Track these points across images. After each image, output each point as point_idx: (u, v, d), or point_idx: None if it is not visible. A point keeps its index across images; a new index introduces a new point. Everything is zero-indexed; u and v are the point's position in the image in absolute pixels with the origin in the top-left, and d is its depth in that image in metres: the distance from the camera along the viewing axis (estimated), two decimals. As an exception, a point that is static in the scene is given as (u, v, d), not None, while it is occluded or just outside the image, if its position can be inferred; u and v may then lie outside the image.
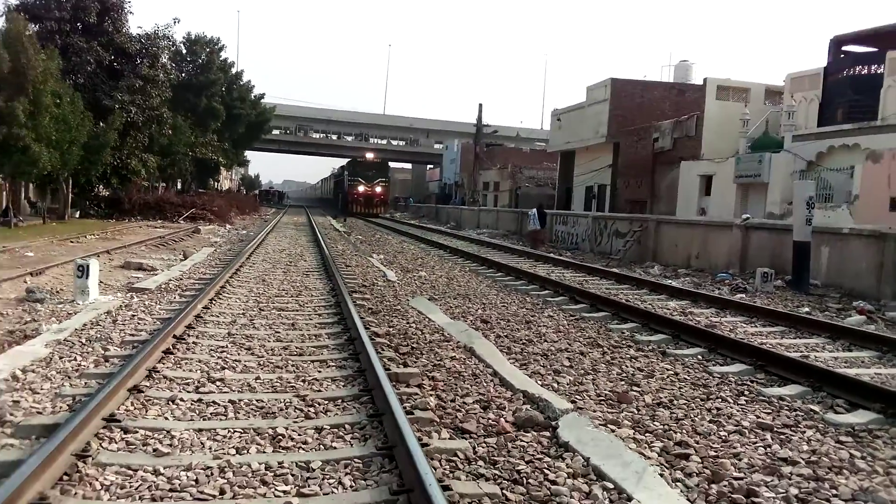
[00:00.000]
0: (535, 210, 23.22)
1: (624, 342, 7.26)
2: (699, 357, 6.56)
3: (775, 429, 4.57)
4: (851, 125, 20.38)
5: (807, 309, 10.09)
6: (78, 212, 26.72)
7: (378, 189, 49.43)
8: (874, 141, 18.92)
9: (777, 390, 5.42)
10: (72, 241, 16.70)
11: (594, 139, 32.51)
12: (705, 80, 27.29)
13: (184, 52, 41.81)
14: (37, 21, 24.83)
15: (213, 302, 8.95)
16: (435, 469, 3.82)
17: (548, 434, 4.53)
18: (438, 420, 4.75)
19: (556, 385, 5.65)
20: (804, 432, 4.52)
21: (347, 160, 56.41)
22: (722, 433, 4.51)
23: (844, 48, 23.86)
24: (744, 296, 11.18)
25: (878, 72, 21.02)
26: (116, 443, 4.06)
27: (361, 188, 48.83)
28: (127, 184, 29.93)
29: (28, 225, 20.90)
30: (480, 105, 45.98)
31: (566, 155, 37.82)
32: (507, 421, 4.77)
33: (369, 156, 53.54)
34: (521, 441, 4.41)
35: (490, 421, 4.77)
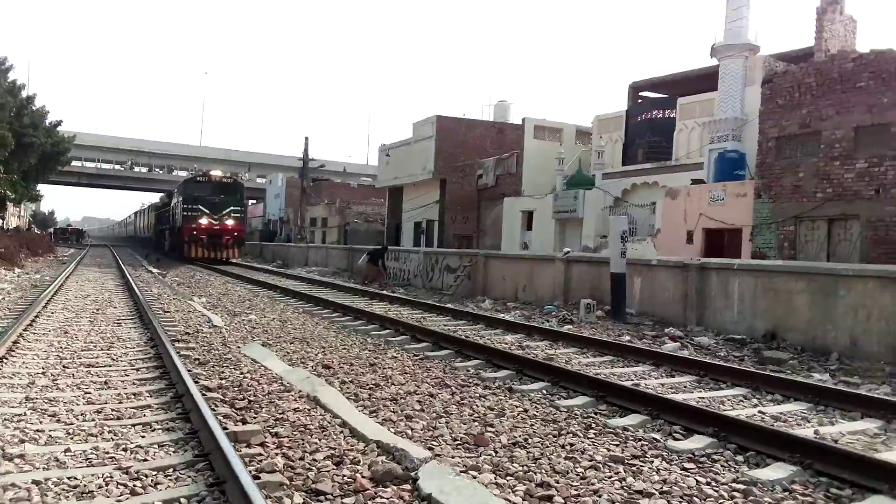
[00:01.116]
0: (366, 254, 22.85)
1: (471, 380, 7.24)
2: (544, 391, 6.69)
3: (626, 461, 4.70)
4: (651, 164, 22.66)
5: (627, 337, 10.81)
6: None
7: (229, 222, 33.90)
8: (671, 179, 21.16)
9: (620, 421, 5.63)
10: None
11: (421, 175, 33.25)
12: (524, 119, 29.11)
13: (-38, 71, 36.88)
14: None
15: (4, 361, 7.66)
16: (292, 543, 3.44)
17: (408, 487, 4.29)
18: (289, 482, 4.33)
19: (410, 432, 5.43)
20: (652, 462, 4.69)
21: (183, 180, 39.94)
22: (579, 469, 4.54)
23: (641, 93, 26.61)
24: (571, 326, 11.76)
25: (671, 116, 23.66)
26: None
27: (205, 220, 33.18)
28: None
29: None
30: (307, 138, 45.04)
31: (394, 190, 38.30)
32: (363, 476, 4.47)
33: (216, 173, 36.20)
34: (382, 497, 4.14)
35: (346, 478, 4.43)
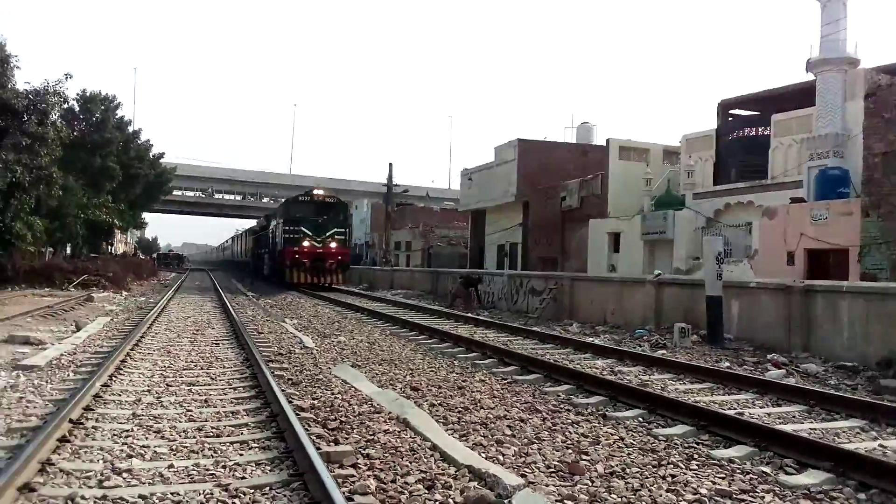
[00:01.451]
0: (460, 278, 24.11)
1: (562, 406, 7.05)
2: (640, 419, 6.42)
3: (734, 495, 4.41)
4: (745, 183, 21.73)
5: (727, 363, 10.30)
6: (-48, 280, 24.34)
7: (333, 244, 30.98)
8: (766, 198, 20.19)
9: (725, 452, 5.31)
10: (-56, 314, 15.01)
11: (504, 198, 33.21)
12: (608, 140, 28.61)
13: (77, 109, 39.90)
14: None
15: (114, 379, 8.09)
16: (386, 567, 3.39)
17: (502, 515, 4.18)
18: (381, 506, 4.30)
19: (501, 457, 5.32)
20: (763, 497, 4.39)
21: (284, 200, 37.00)
22: (683, 503, 4.30)
23: (732, 111, 25.68)
24: (665, 352, 11.32)
25: (765, 133, 22.68)
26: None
27: (307, 244, 30.54)
28: (11, 249, 27.65)
29: None
30: (391, 164, 45.84)
31: (477, 214, 38.41)
32: (455, 502, 4.39)
33: (319, 192, 33.37)
34: (475, 525, 4.04)
35: (438, 503, 4.37)
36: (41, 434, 5.13)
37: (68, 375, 8.31)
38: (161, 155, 50.76)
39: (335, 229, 31.25)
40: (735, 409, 6.91)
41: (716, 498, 4.37)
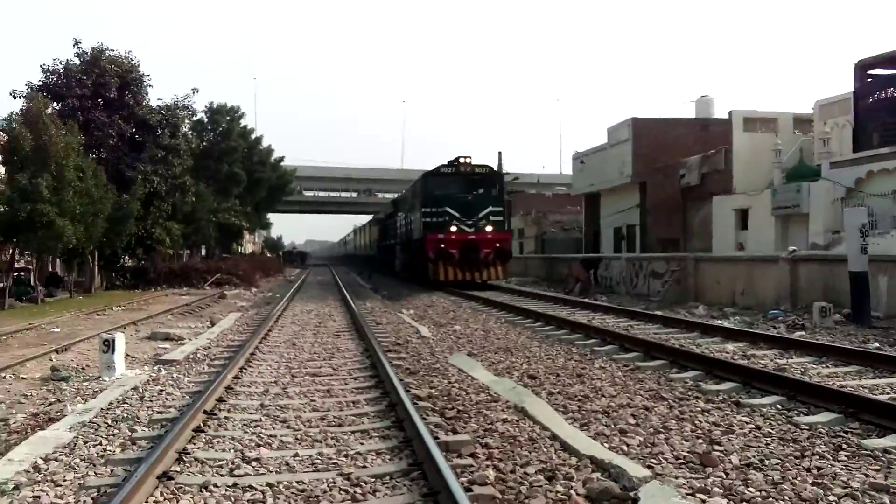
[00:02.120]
0: (580, 261, 24.75)
1: (689, 393, 6.65)
2: (778, 406, 5.93)
3: (892, 489, 3.94)
4: (889, 149, 19.75)
5: (876, 344, 9.37)
6: (104, 284, 26.73)
7: (489, 229, 23.65)
8: (915, 163, 18.22)
9: (880, 441, 4.79)
10: (98, 315, 16.49)
11: (619, 180, 32.12)
12: (730, 112, 26.86)
13: (205, 120, 42.61)
14: (59, 100, 25.41)
15: (244, 371, 8.51)
16: (507, 561, 3.29)
17: (629, 508, 3.96)
18: (501, 497, 4.20)
19: (625, 447, 5.07)
20: (928, 493, 3.89)
21: (422, 175, 26.52)
22: (831, 498, 3.89)
23: (871, 72, 23.40)
24: (804, 333, 10.48)
25: (911, 93, 20.48)
26: (143, 544, 3.58)
27: (454, 229, 23.42)
28: (152, 253, 30.03)
29: (54, 300, 20.82)
30: (500, 153, 45.84)
31: (591, 197, 37.42)
32: (578, 494, 4.21)
33: (467, 160, 25.10)
34: (600, 518, 3.85)
35: (559, 495, 4.21)
36: (178, 425, 5.43)
37: (203, 368, 8.82)
38: (281, 159, 53.23)
39: (490, 208, 23.39)
40: (889, 394, 6.23)
41: (870, 492, 3.92)
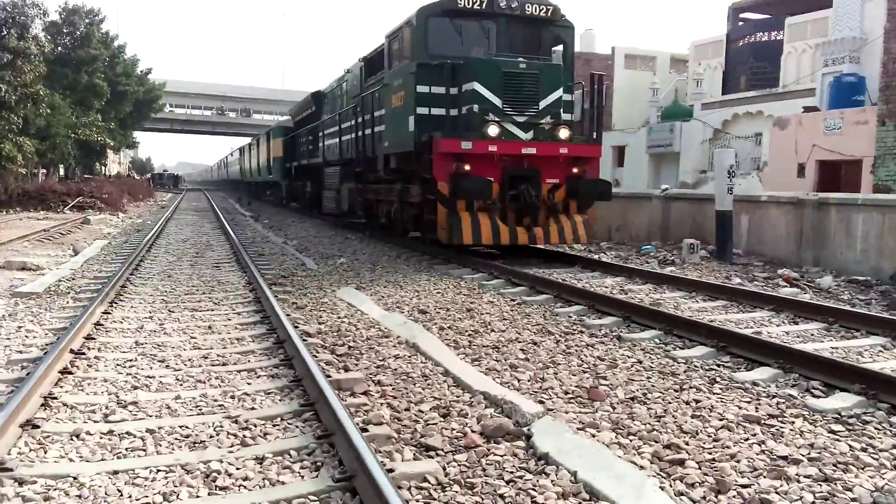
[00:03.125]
0: None
1: (574, 328, 6.88)
2: (657, 340, 6.25)
3: (762, 421, 4.26)
4: (754, 92, 21.01)
5: (738, 280, 10.12)
6: (-56, 204, 23.98)
7: (563, 135, 11.04)
8: (778, 108, 19.55)
9: (748, 375, 5.16)
10: (-62, 239, 14.76)
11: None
12: (613, 48, 27.47)
13: (59, 22, 38.32)
14: None
15: (114, 305, 7.91)
16: (407, 502, 3.26)
17: (522, 444, 4.03)
18: (397, 436, 4.16)
19: (516, 383, 5.17)
20: (793, 423, 4.23)
21: (416, 12, 11.27)
22: (709, 430, 4.15)
23: (742, 15, 24.58)
24: (674, 268, 11.13)
25: (778, 38, 21.75)
26: (10, 500, 3.24)
27: (493, 132, 10.59)
28: (2, 171, 27.13)
29: None
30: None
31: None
32: (473, 431, 4.24)
33: None
34: (495, 455, 3.89)
35: (455, 433, 4.22)
36: (42, 366, 4.94)
37: (68, 302, 8.12)
38: (149, 70, 49.29)
39: (559, 93, 11.28)
40: (753, 327, 6.74)
41: (744, 424, 4.22)
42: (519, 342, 6.33)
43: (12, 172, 27.89)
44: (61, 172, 42.80)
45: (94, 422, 4.33)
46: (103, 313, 7.32)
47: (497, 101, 10.73)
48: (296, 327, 6.54)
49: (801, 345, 5.95)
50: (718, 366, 5.41)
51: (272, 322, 6.96)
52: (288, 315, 7.08)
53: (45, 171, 38.88)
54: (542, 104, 10.99)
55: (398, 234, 14.18)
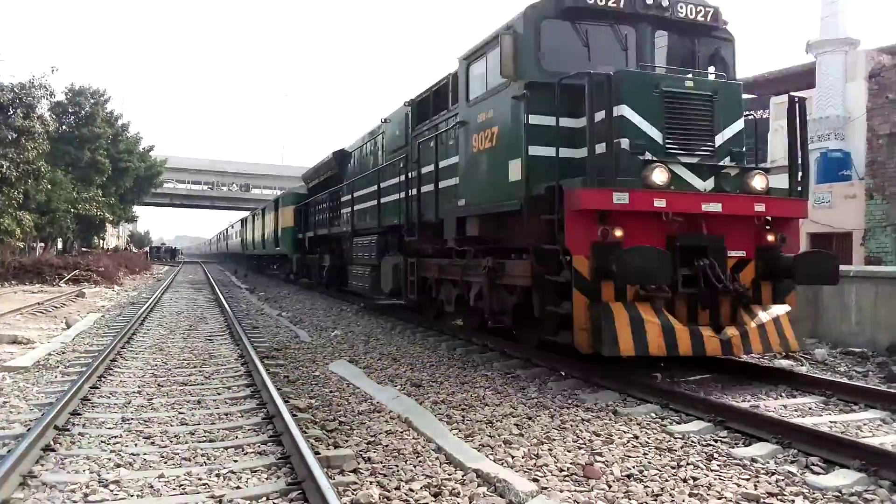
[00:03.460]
0: None
1: (569, 401, 6.76)
2: (653, 415, 6.12)
3: (761, 500, 4.14)
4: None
5: (734, 352, 10.04)
6: (-60, 277, 23.94)
7: (758, 185, 7.52)
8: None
9: (746, 451, 5.02)
10: (-70, 313, 14.66)
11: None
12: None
13: (65, 102, 39.33)
14: None
15: (103, 379, 7.80)
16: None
17: (516, 525, 3.91)
18: (386, 517, 4.03)
19: (510, 459, 5.05)
20: (793, 501, 4.10)
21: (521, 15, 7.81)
22: (707, 509, 4.04)
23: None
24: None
25: (765, 116, 22.34)
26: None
27: (659, 178, 7.01)
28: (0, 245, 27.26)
29: None
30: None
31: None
32: (465, 511, 4.12)
33: None
34: (487, 537, 3.77)
35: (446, 513, 4.10)
36: (23, 443, 4.84)
37: (56, 377, 8.01)
38: (151, 148, 50.24)
39: (737, 126, 7.80)
40: (749, 401, 6.64)
41: (742, 502, 4.10)
42: (513, 416, 6.21)
43: (10, 246, 28.01)
44: (59, 246, 42.98)
45: (73, 502, 4.20)
46: (91, 388, 7.22)
47: (656, 133, 7.25)
48: (286, 402, 6.43)
49: (799, 419, 5.85)
50: (716, 441, 5.30)
51: (262, 396, 6.86)
52: (279, 389, 6.99)
53: (42, 244, 39.04)
54: (719, 139, 7.52)
55: (475, 326, 10.70)
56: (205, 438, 5.62)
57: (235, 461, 5.04)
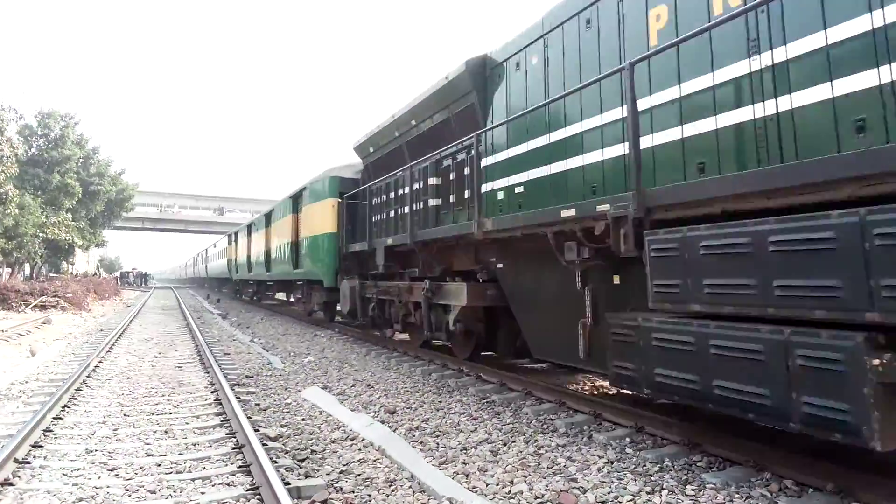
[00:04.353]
0: None
1: (545, 426, 6.71)
2: (629, 440, 6.10)
3: (736, 523, 4.12)
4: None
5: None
6: None
7: None
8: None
9: (721, 474, 5.02)
10: None
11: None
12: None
13: (35, 126, 38.77)
14: None
15: (67, 409, 7.57)
16: None
17: (489, 556, 3.83)
18: (357, 549, 3.93)
19: (484, 486, 4.97)
20: (767, 525, 4.09)
21: None
22: (682, 535, 4.00)
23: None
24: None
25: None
26: None
27: None
28: (-37, 270, 26.61)
29: None
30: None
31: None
32: (438, 542, 4.03)
33: None
34: (460, 568, 3.68)
35: (418, 543, 4.01)
36: (-21, 479, 4.66)
37: (17, 407, 7.76)
38: (122, 171, 49.58)
39: None
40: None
41: (717, 528, 4.07)
42: (488, 443, 6.14)
43: (-26, 272, 27.35)
44: (27, 271, 42.05)
45: (31, 540, 4.04)
46: (54, 418, 7.02)
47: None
48: (256, 431, 6.31)
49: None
50: (690, 465, 5.28)
51: (232, 425, 6.72)
52: (249, 418, 6.85)
53: (9, 269, 38.18)
54: None
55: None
56: (171, 470, 5.47)
57: (203, 493, 4.90)
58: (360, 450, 6.06)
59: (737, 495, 4.57)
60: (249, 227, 29.21)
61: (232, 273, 35.02)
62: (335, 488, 5.02)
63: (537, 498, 4.68)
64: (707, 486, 4.77)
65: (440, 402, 8.02)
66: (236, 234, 34.29)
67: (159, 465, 5.57)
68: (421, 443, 6.20)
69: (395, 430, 6.63)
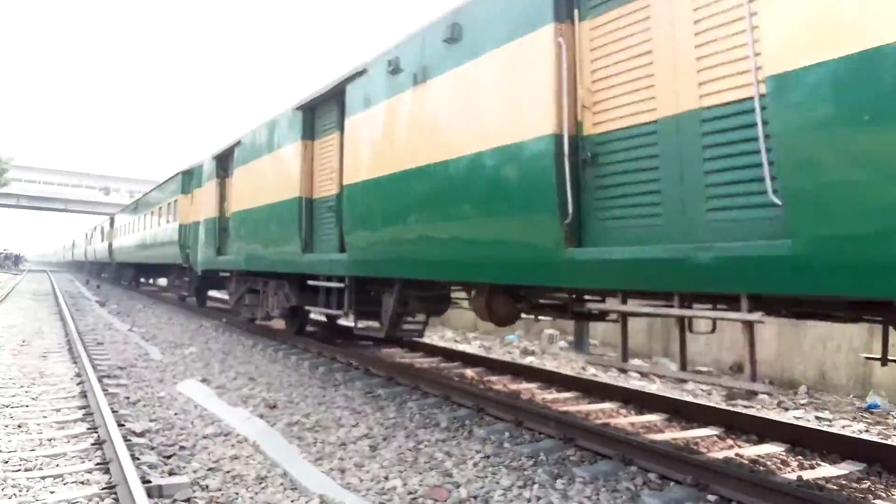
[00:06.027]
0: None
1: (427, 421, 6.68)
2: (507, 434, 6.14)
3: (603, 517, 4.22)
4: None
5: (592, 371, 10.41)
6: None
7: None
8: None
9: (591, 468, 5.14)
10: None
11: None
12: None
13: None
14: None
15: None
16: None
17: (356, 555, 3.73)
18: (217, 552, 3.72)
19: (358, 483, 4.86)
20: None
21: None
22: (549, 529, 4.04)
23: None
24: (534, 359, 11.31)
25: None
26: None
27: None
28: None
29: None
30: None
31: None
32: (305, 542, 3.89)
33: None
34: (325, 569, 3.56)
35: (283, 544, 3.85)
36: None
37: None
38: (-3, 144, 45.84)
39: None
40: (601, 419, 6.84)
41: (585, 522, 4.15)
42: (368, 438, 6.03)
43: None
44: None
45: None
46: None
47: None
48: (121, 425, 5.91)
49: (645, 435, 6.08)
50: (563, 460, 5.37)
51: (95, 420, 6.27)
52: (115, 412, 6.41)
53: None
54: None
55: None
56: (19, 467, 5.02)
57: (52, 493, 4.52)
58: (233, 446, 5.80)
59: (604, 489, 4.69)
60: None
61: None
62: (201, 486, 4.76)
63: (410, 493, 4.62)
64: (577, 479, 4.87)
65: (325, 395, 7.83)
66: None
67: (6, 463, 5.10)
68: (299, 438, 6.01)
69: (273, 425, 6.40)
